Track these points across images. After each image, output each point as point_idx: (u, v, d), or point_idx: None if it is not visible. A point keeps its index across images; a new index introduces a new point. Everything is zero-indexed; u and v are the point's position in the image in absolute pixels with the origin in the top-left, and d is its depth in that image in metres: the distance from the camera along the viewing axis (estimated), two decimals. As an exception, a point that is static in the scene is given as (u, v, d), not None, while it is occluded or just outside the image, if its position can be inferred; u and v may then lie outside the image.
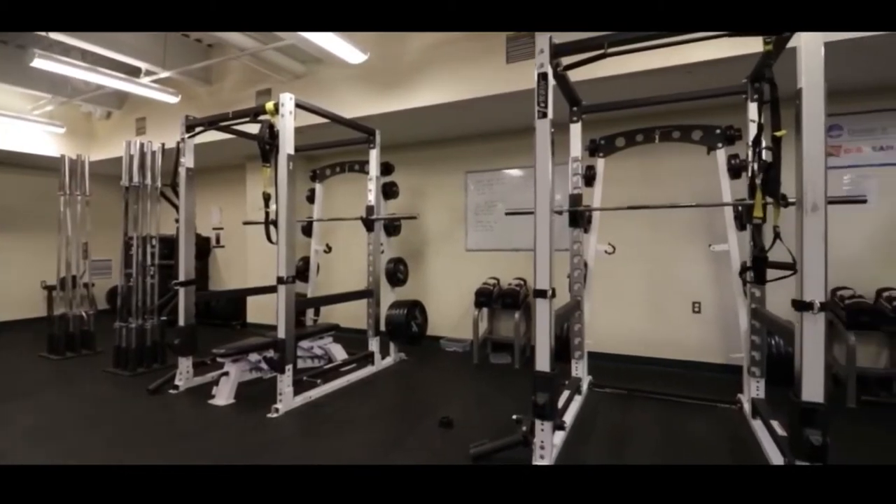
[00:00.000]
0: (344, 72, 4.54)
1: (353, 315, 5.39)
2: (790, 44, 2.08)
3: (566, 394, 3.06)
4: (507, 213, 3.96)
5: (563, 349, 3.58)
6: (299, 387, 3.40)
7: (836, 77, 3.55)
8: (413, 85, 4.27)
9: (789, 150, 2.07)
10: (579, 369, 3.46)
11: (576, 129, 3.54)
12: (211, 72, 5.45)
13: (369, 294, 4.26)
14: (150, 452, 2.64)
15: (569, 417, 2.95)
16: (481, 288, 4.71)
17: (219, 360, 3.46)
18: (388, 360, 4.43)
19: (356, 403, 3.42)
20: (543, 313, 2.35)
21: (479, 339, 4.62)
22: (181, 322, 3.71)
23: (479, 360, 4.57)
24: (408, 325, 4.22)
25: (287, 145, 3.23)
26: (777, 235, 2.09)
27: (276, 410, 3.12)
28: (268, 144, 3.29)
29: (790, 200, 2.00)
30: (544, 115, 2.39)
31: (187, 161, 3.83)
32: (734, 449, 2.66)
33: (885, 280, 3.69)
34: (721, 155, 3.24)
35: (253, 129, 3.41)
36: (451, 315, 5.34)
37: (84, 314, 4.91)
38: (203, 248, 7.04)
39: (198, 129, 3.83)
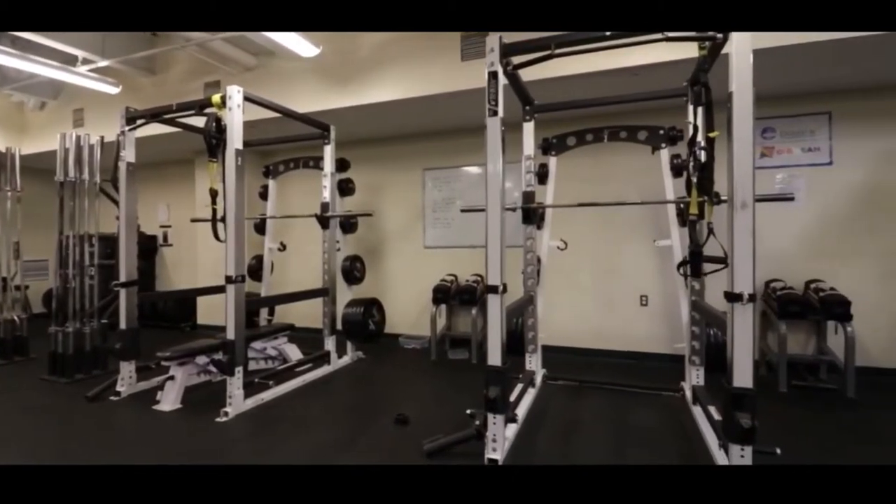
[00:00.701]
0: (297, 65, 4.44)
1: (309, 314, 5.29)
2: (724, 50, 2.19)
3: (520, 387, 3.12)
4: (462, 210, 3.99)
5: (517, 343, 3.66)
6: (251, 389, 3.31)
7: (769, 83, 3.82)
8: (368, 80, 4.23)
9: (724, 150, 2.18)
10: (533, 363, 3.54)
11: (528, 128, 3.60)
12: (155, 62, 5.19)
13: (325, 293, 4.20)
14: (86, 462, 2.50)
15: (522, 410, 3.01)
16: (439, 285, 4.73)
17: (163, 363, 3.32)
18: (346, 359, 4.38)
19: (311, 404, 3.37)
20: (495, 309, 2.39)
21: (437, 336, 4.65)
22: (123, 325, 3.53)
23: (438, 356, 4.59)
24: (365, 324, 4.18)
25: (235, 140, 3.13)
26: (710, 231, 2.21)
27: (226, 414, 3.03)
28: (214, 139, 3.18)
29: (723, 198, 2.12)
30: (495, 113, 2.43)
31: (128, 155, 3.64)
32: (675, 434, 2.80)
33: (813, 272, 3.97)
34: (664, 154, 3.39)
35: (200, 122, 3.29)
36: (410, 312, 5.34)
37: (16, 318, 4.59)
38: (149, 246, 6.72)
39: (139, 122, 3.64)
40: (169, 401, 3.24)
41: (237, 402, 3.10)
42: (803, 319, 3.69)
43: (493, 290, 2.38)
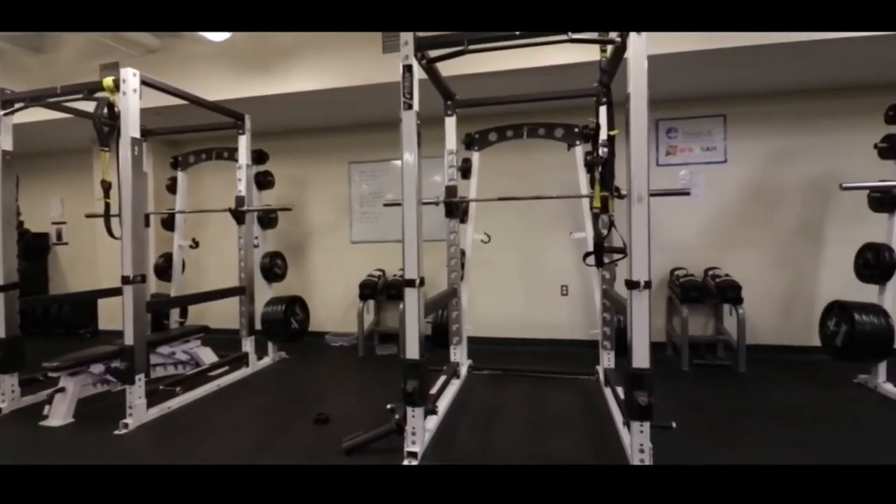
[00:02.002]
0: (207, 49, 4.15)
1: (229, 315, 4.99)
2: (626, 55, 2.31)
3: (442, 379, 3.14)
4: (385, 205, 3.92)
5: (442, 336, 3.69)
6: (155, 397, 3.07)
7: (673, 86, 4.11)
8: (285, 68, 4.04)
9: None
10: (457, 354, 3.58)
11: (451, 123, 3.62)
12: (43, 39, 4.64)
13: (241, 291, 3.98)
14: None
15: (445, 401, 3.04)
16: (366, 280, 4.65)
17: (51, 374, 2.99)
18: (266, 361, 4.19)
19: (225, 409, 3.18)
20: (412, 303, 2.38)
21: (364, 332, 4.57)
22: (2, 333, 3.13)
23: (365, 352, 4.53)
24: (286, 322, 4.02)
25: (130, 127, 2.86)
26: (612, 224, 2.33)
27: (125, 426, 2.78)
28: (106, 126, 2.89)
29: (623, 193, 2.24)
30: (410, 106, 2.41)
31: (4, 143, 3.23)
32: (588, 415, 2.95)
33: (712, 260, 4.34)
34: (579, 151, 3.55)
35: (91, 107, 2.97)
36: (337, 309, 5.21)
37: None
38: (38, 245, 6.01)
39: (17, 106, 3.24)
40: (59, 415, 2.93)
41: (139, 412, 2.86)
42: (702, 303, 4.03)
43: (410, 283, 2.37)
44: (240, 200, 3.96)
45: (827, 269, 4.12)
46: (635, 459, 2.13)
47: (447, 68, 3.35)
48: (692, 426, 2.71)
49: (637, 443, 2.12)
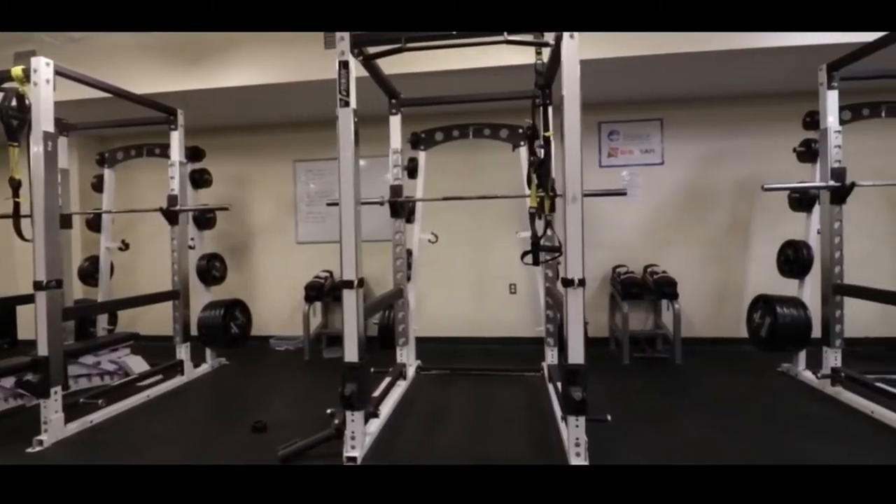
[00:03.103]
0: (136, 40, 3.91)
1: (165, 321, 4.70)
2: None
3: (387, 381, 3.10)
4: (328, 204, 3.83)
5: (389, 337, 3.64)
6: (75, 411, 2.84)
7: (614, 90, 4.23)
8: (221, 62, 3.86)
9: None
10: (404, 355, 3.54)
11: (395, 122, 3.58)
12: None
13: (175, 295, 3.77)
14: None
15: (390, 403, 3.00)
16: (312, 282, 4.53)
17: (-49, 391, 2.71)
18: (204, 368, 3.99)
19: (154, 421, 3.00)
20: (350, 304, 2.33)
21: (310, 335, 4.45)
22: None
23: (312, 356, 4.40)
24: (225, 327, 3.84)
25: (43, 121, 2.64)
26: (548, 223, 2.37)
27: (40, 443, 2.56)
28: (15, 119, 2.66)
29: (559, 193, 2.28)
30: (346, 103, 2.35)
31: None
32: (531, 411, 2.99)
33: (651, 258, 4.51)
34: (523, 152, 3.59)
35: None
36: (282, 311, 5.05)
37: None
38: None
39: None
40: (-38, 435, 2.66)
41: (55, 427, 2.64)
42: (642, 299, 4.19)
43: (348, 285, 2.32)
44: (172, 199, 3.75)
45: (754, 264, 4.38)
46: (572, 453, 2.17)
47: (392, 67, 3.32)
48: (630, 417, 2.80)
49: (573, 437, 2.16)
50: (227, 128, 5.08)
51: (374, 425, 2.62)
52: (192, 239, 4.07)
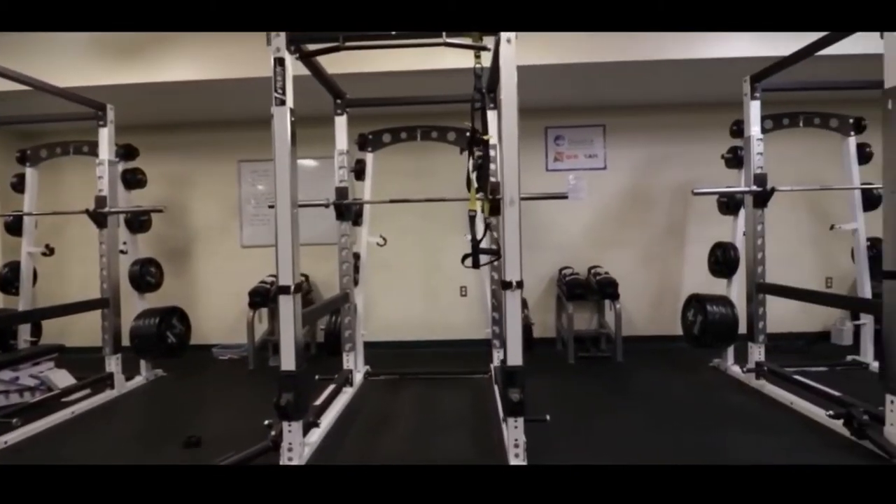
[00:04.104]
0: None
1: (97, 331, 4.43)
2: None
3: (331, 388, 3.03)
4: (270, 206, 3.73)
5: (336, 342, 3.57)
6: (-15, 432, 2.62)
7: (560, 96, 4.35)
8: (157, 55, 3.67)
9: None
10: (351, 361, 3.48)
11: (341, 122, 3.52)
12: None
13: (104, 304, 3.54)
14: None
15: (334, 411, 2.93)
16: (256, 287, 4.37)
17: None
18: (138, 380, 3.77)
19: (77, 439, 2.80)
20: (287, 311, 2.26)
21: (255, 343, 4.30)
22: None
23: (256, 364, 4.25)
24: (161, 336, 3.64)
25: (-56, 115, 2.42)
26: (487, 226, 2.40)
27: (-61, 469, 2.33)
28: None
29: (498, 196, 2.31)
30: (282, 102, 2.29)
31: None
32: (477, 414, 3.01)
33: (595, 259, 4.66)
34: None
35: None
36: (226, 319, 4.85)
37: None
38: None
39: None
40: None
41: (-41, 451, 2.42)
42: (586, 300, 4.31)
43: (284, 290, 2.25)
44: (100, 201, 3.52)
45: (689, 264, 4.61)
46: (511, 454, 2.19)
47: (337, 66, 3.28)
48: (572, 415, 2.87)
49: (512, 438, 2.19)
50: (166, 125, 4.84)
51: (315, 435, 2.55)
52: (125, 243, 3.84)
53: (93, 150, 3.74)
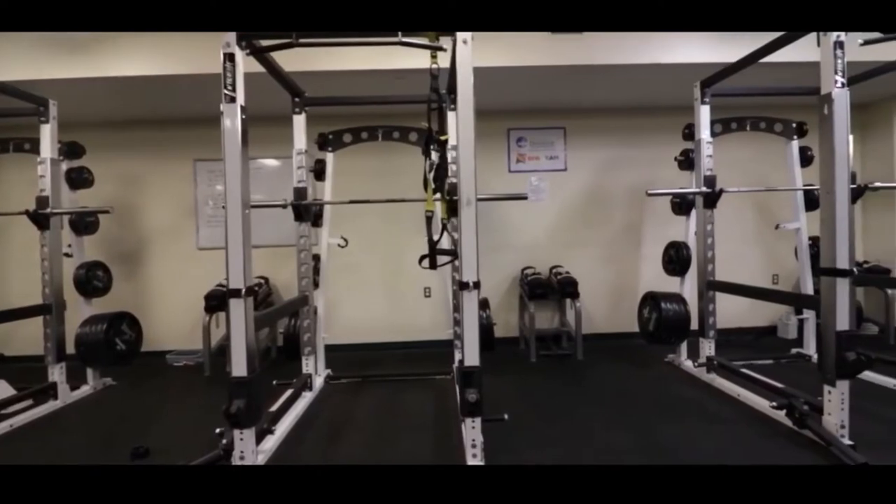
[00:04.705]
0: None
1: (41, 339, 4.21)
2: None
3: (289, 393, 2.97)
4: (223, 207, 3.62)
5: (294, 346, 3.50)
6: None
7: (521, 98, 4.39)
8: (106, 49, 3.50)
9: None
10: (310, 365, 3.42)
11: (299, 121, 3.46)
12: None
13: (46, 309, 3.35)
14: None
15: (291, 417, 2.87)
16: (213, 290, 4.23)
17: None
18: (85, 390, 3.59)
19: (13, 453, 2.64)
20: (238, 315, 2.20)
21: (212, 348, 4.16)
22: None
23: (213, 371, 4.11)
24: (109, 344, 3.48)
25: None
26: (444, 227, 2.40)
27: None
28: None
29: (454, 197, 2.31)
30: (232, 99, 2.22)
31: None
32: (437, 415, 3.01)
33: (556, 259, 4.74)
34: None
35: None
36: (182, 324, 4.68)
37: None
38: None
39: None
40: None
41: None
42: (548, 299, 4.38)
43: (235, 294, 2.19)
44: (42, 201, 3.34)
45: (645, 263, 4.74)
46: (469, 454, 2.20)
47: (294, 64, 3.22)
48: (532, 413, 2.92)
49: (470, 438, 2.20)
50: (118, 122, 4.64)
51: (270, 442, 2.49)
52: (69, 246, 3.66)
53: (35, 147, 3.54)
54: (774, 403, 2.65)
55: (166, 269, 4.79)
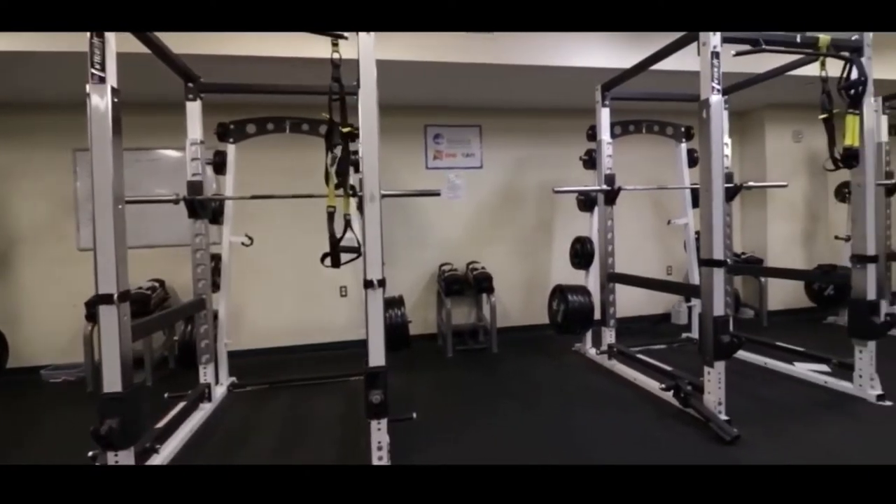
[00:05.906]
0: None
1: None
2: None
3: (181, 407, 2.72)
4: (127, 202, 3.25)
5: (189, 354, 3.22)
6: None
7: (438, 95, 4.38)
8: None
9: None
10: (209, 373, 3.16)
11: (194, 108, 3.18)
12: None
13: None
14: None
15: (183, 433, 2.63)
16: (95, 297, 3.78)
17: None
18: (-73, 416, 3.06)
19: None
20: (111, 323, 1.96)
21: (95, 361, 3.72)
22: None
23: (96, 386, 3.67)
24: (-41, 361, 2.99)
25: None
26: (347, 224, 2.32)
27: None
28: None
29: (359, 193, 2.23)
30: (102, 80, 1.97)
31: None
32: (347, 418, 2.92)
33: (473, 255, 4.80)
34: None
35: None
36: (60, 335, 4.14)
37: None
38: None
39: None
40: None
41: None
42: (464, 295, 4.42)
43: (106, 300, 1.95)
44: None
45: (556, 258, 4.95)
46: (374, 456, 2.14)
47: (188, 46, 2.98)
48: (446, 404, 2.93)
49: (375, 439, 2.14)
50: (-29, 106, 4.00)
51: (156, 461, 2.26)
52: None
53: None
54: (663, 385, 2.87)
55: (40, 274, 4.21)
